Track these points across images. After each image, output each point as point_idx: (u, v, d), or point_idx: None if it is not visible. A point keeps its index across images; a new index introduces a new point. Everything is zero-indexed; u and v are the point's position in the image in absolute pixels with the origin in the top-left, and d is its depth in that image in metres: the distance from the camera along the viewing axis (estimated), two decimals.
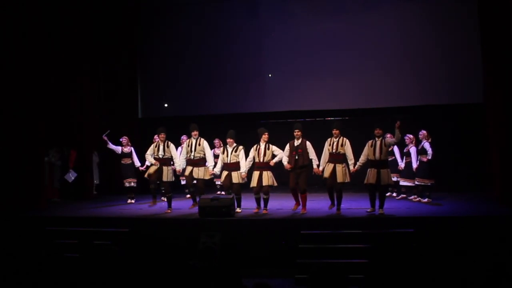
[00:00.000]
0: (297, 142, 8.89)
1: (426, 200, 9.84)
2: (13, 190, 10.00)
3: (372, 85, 12.30)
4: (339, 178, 8.56)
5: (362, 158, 8.72)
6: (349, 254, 7.38)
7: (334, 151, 8.69)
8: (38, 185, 10.47)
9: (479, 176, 11.26)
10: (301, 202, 8.97)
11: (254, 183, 8.97)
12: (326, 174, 8.71)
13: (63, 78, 12.10)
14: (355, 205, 9.66)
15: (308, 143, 8.89)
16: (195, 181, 9.61)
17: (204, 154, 9.43)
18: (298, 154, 8.77)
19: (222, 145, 10.60)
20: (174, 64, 13.61)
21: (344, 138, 8.75)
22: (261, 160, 8.97)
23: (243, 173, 9.05)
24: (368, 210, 8.70)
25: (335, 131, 8.78)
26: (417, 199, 10.10)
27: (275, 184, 9.04)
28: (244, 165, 9.06)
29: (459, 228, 7.66)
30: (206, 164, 9.46)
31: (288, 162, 8.83)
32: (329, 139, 8.86)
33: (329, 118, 12.98)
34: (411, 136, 10.32)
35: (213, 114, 13.31)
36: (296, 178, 8.83)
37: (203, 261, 4.61)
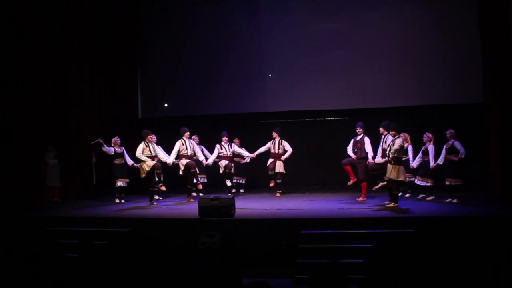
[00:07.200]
0: (358, 138, 10.30)
1: (455, 200, 9.60)
2: (13, 190, 9.99)
3: (372, 85, 12.28)
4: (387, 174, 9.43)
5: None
6: (349, 254, 7.36)
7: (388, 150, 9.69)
8: (38, 184, 10.45)
9: (479, 176, 11.24)
10: (361, 191, 10.17)
11: (270, 164, 11.36)
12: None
13: (63, 78, 12.07)
14: (355, 205, 9.67)
15: (366, 138, 10.22)
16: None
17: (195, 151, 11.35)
18: (357, 148, 10.25)
19: (240, 144, 12.18)
20: (174, 64, 13.60)
21: (395, 139, 9.34)
22: (276, 152, 11.41)
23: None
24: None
25: (391, 132, 9.55)
26: (430, 197, 10.06)
27: (285, 171, 11.31)
28: (245, 152, 11.84)
29: (459, 228, 7.65)
30: (199, 158, 11.26)
31: (354, 153, 10.30)
32: None
33: (329, 118, 12.97)
34: (429, 134, 10.17)
35: (213, 114, 13.32)
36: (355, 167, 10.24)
37: (203, 261, 4.61)
